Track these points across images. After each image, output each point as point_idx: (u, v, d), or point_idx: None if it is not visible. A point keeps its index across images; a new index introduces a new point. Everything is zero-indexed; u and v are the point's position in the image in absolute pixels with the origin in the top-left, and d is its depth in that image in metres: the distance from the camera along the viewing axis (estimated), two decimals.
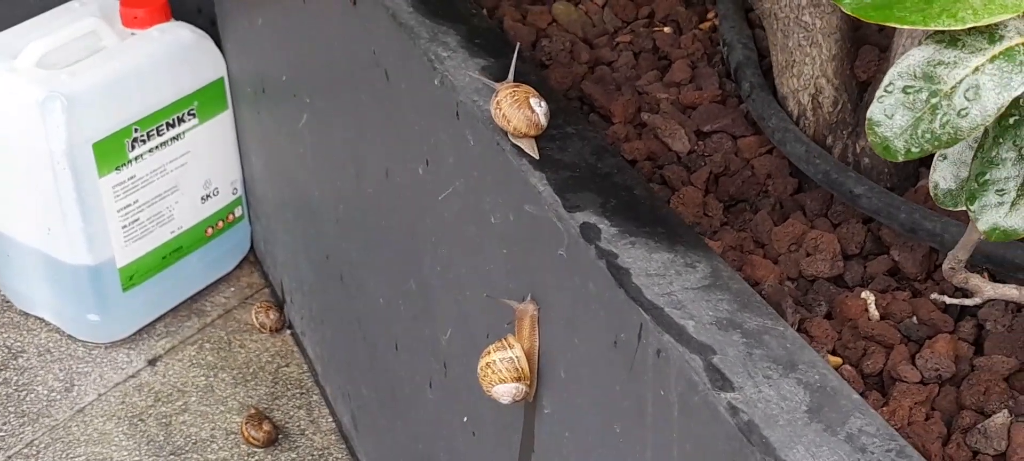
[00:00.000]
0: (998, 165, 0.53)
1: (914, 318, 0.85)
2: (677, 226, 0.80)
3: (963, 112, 0.50)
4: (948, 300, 0.74)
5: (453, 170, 0.95)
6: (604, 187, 0.83)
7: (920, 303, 0.86)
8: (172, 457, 1.42)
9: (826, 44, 0.97)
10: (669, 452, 0.72)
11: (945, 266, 0.72)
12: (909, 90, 0.51)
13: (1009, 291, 0.73)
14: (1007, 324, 0.83)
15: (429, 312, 1.08)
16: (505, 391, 0.86)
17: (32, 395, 1.49)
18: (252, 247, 1.69)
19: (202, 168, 1.57)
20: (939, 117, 0.50)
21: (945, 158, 0.61)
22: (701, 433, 0.69)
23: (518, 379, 0.86)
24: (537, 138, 0.85)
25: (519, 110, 0.84)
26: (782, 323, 0.72)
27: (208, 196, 1.59)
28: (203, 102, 1.54)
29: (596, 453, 0.83)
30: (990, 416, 0.77)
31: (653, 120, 1.02)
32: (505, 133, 0.85)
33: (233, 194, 1.63)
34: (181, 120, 1.52)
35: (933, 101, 0.50)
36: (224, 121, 1.57)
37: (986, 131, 0.54)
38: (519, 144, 0.85)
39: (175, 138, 1.52)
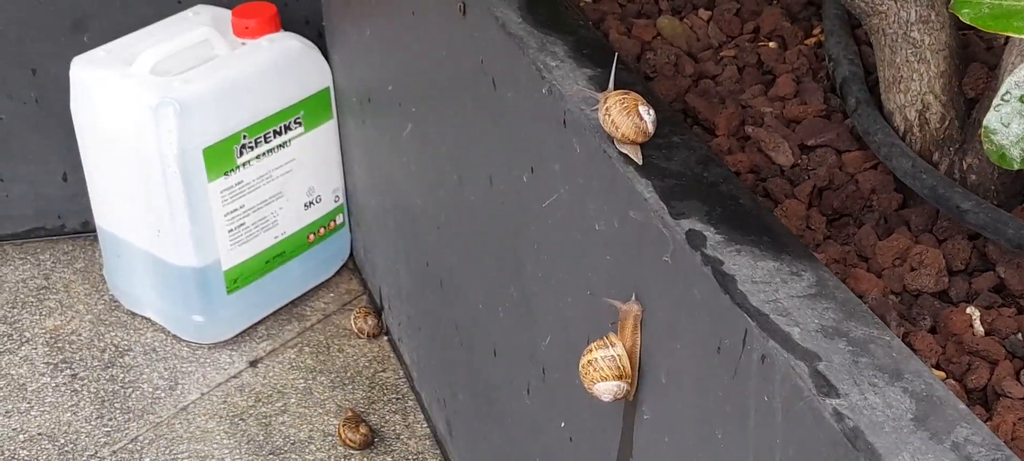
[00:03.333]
0: None
1: (1019, 335, 0.85)
2: (783, 235, 0.80)
3: None
4: None
5: (558, 177, 0.96)
6: (710, 196, 0.83)
7: None
8: (271, 457, 1.45)
9: (934, 60, 0.97)
10: (772, 457, 0.73)
11: None
12: None
13: None
14: None
15: (529, 318, 1.09)
16: (606, 389, 0.87)
17: (137, 392, 1.53)
18: (352, 254, 1.73)
19: (306, 175, 1.60)
20: None
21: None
22: (805, 438, 0.69)
23: (620, 377, 0.87)
24: (643, 146, 0.87)
25: (628, 117, 0.85)
26: (888, 332, 0.72)
27: (311, 203, 1.63)
28: (309, 111, 1.57)
29: (696, 458, 0.83)
30: None
31: (757, 133, 1.03)
32: (612, 140, 0.87)
33: (335, 202, 1.66)
34: (288, 128, 1.55)
35: None
36: (329, 130, 1.61)
37: None
38: (625, 151, 0.86)
39: (281, 145, 1.55)
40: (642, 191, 0.83)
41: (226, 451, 1.46)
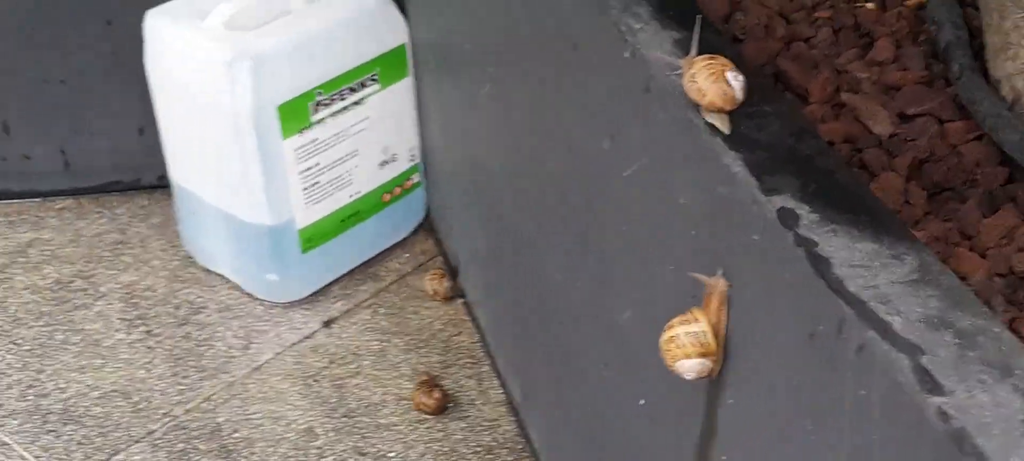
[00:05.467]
0: None
1: None
2: (883, 215, 0.75)
3: None
4: None
5: (640, 146, 0.92)
6: (804, 170, 0.78)
7: None
8: (344, 419, 1.43)
9: None
10: (869, 455, 0.68)
11: None
12: None
13: None
14: None
15: (608, 290, 1.05)
16: (689, 367, 0.83)
17: (211, 351, 1.52)
18: (428, 214, 1.69)
19: (381, 134, 1.57)
20: None
21: None
22: (906, 438, 0.64)
23: (703, 355, 0.83)
24: (731, 114, 0.82)
25: (715, 83, 0.80)
26: (998, 323, 0.67)
27: (386, 162, 1.60)
28: (385, 68, 1.54)
29: (784, 448, 0.79)
30: None
31: (853, 100, 0.97)
32: (697, 107, 0.82)
33: (411, 161, 1.63)
34: (363, 85, 1.52)
35: None
36: (405, 88, 1.57)
37: None
38: (712, 119, 0.81)
39: (356, 103, 1.52)
40: (730, 164, 0.79)
41: (299, 412, 1.44)
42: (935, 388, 0.63)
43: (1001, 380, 0.63)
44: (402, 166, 1.62)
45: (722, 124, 0.81)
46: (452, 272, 1.61)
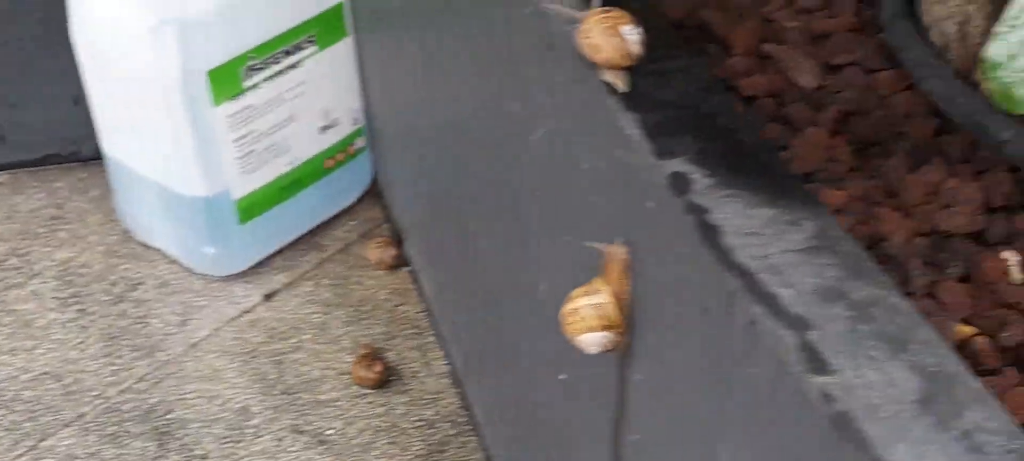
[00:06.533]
0: None
1: None
2: (784, 178, 0.69)
3: None
4: None
5: (547, 108, 0.86)
6: (705, 131, 0.73)
7: None
8: (282, 396, 1.39)
9: None
10: (760, 439, 0.63)
11: None
12: None
13: None
14: None
15: (529, 260, 1.00)
16: (592, 340, 0.78)
17: (147, 329, 1.47)
18: (375, 181, 1.64)
19: (321, 98, 1.51)
20: None
21: None
22: (793, 422, 0.59)
23: (607, 327, 0.77)
24: (631, 71, 0.76)
25: (610, 38, 0.74)
26: (896, 293, 0.61)
27: (327, 127, 1.54)
28: (322, 30, 1.48)
29: (686, 425, 0.74)
30: None
31: (777, 51, 0.91)
32: (595, 66, 0.76)
33: (354, 125, 1.57)
34: (299, 48, 1.46)
35: None
36: (344, 50, 1.51)
37: None
38: (608, 77, 0.75)
39: (293, 66, 1.46)
40: (626, 127, 0.73)
41: (236, 390, 1.39)
42: (820, 367, 0.57)
43: (894, 356, 0.58)
44: (344, 131, 1.56)
45: (620, 82, 0.75)
46: (398, 240, 1.56)
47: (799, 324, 0.59)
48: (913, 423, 0.55)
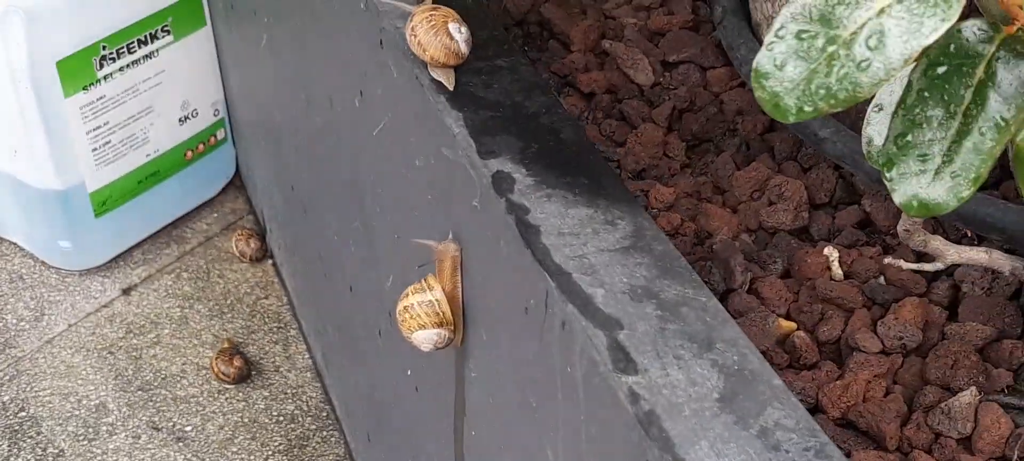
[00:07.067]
0: (921, 126, 0.43)
1: (882, 278, 0.75)
2: (603, 176, 0.70)
3: (864, 64, 0.40)
4: (905, 265, 0.64)
5: (382, 104, 0.86)
6: (527, 130, 0.73)
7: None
8: (139, 393, 1.37)
9: None
10: (578, 436, 0.64)
11: (900, 227, 0.62)
12: (804, 36, 0.42)
13: (976, 254, 0.63)
14: (986, 286, 0.73)
15: (374, 256, 0.99)
16: (425, 337, 0.78)
17: (1, 324, 1.44)
18: (238, 172, 1.62)
19: (179, 88, 1.49)
20: (836, 69, 0.41)
21: (881, 110, 0.51)
22: (604, 419, 0.60)
23: (439, 324, 0.77)
24: (458, 69, 0.76)
25: (436, 36, 0.75)
26: (706, 293, 0.63)
27: (186, 118, 1.52)
28: (178, 18, 1.45)
29: (517, 424, 0.74)
30: (957, 393, 0.68)
31: (615, 48, 0.93)
32: (424, 64, 0.76)
33: (214, 116, 1.55)
34: (154, 37, 1.44)
35: (830, 49, 0.41)
36: (202, 39, 1.49)
37: (909, 84, 0.44)
38: (437, 76, 0.75)
39: (148, 56, 1.44)
40: (451, 125, 0.73)
41: (92, 387, 1.37)
42: (628, 366, 0.58)
43: (700, 354, 0.59)
44: (205, 122, 1.54)
45: (447, 80, 0.76)
46: (261, 232, 1.55)
47: (610, 324, 0.60)
48: (714, 421, 0.56)
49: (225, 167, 1.60)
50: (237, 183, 1.62)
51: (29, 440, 1.31)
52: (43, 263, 1.50)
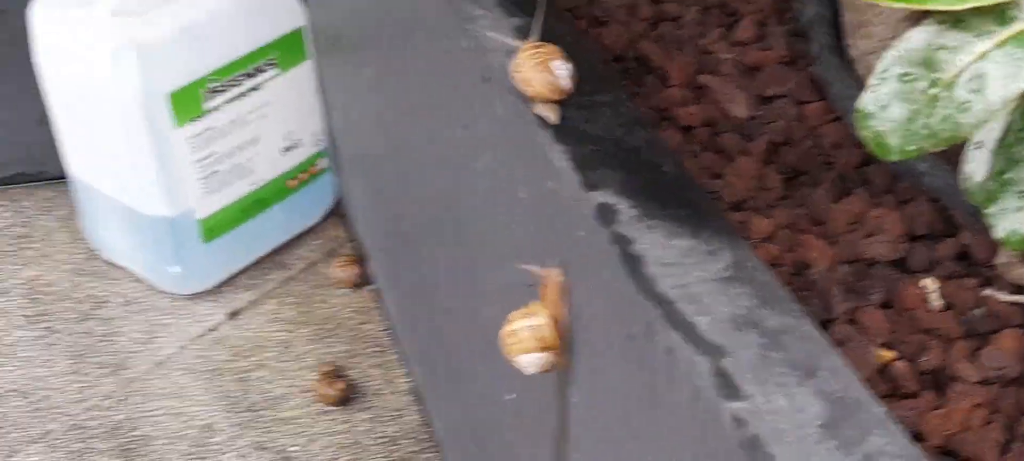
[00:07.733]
0: (1021, 163, 0.45)
1: (981, 310, 0.77)
2: (706, 209, 0.73)
3: (965, 106, 0.42)
4: (1004, 297, 0.65)
5: (486, 138, 0.89)
6: (629, 163, 0.76)
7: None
8: (246, 413, 1.41)
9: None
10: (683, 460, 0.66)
11: (998, 260, 0.64)
12: (906, 78, 0.44)
13: None
14: None
15: (475, 284, 1.03)
16: (529, 361, 0.81)
17: (113, 347, 1.49)
18: (339, 201, 1.66)
19: (282, 119, 1.54)
20: (938, 110, 0.43)
21: (981, 146, 0.53)
22: (709, 446, 0.62)
23: (544, 348, 0.80)
24: (562, 104, 0.79)
25: (540, 72, 0.78)
26: (808, 321, 0.65)
27: (290, 148, 1.57)
28: (283, 52, 1.51)
29: (619, 449, 0.77)
30: None
31: (711, 82, 0.95)
32: (528, 99, 0.79)
33: (315, 146, 1.60)
34: (260, 71, 1.49)
35: (932, 91, 0.43)
36: (305, 72, 1.54)
37: (1009, 124, 0.46)
38: (540, 110, 0.78)
39: (254, 89, 1.49)
40: (555, 159, 0.76)
41: (201, 408, 1.42)
42: (732, 392, 0.60)
43: (803, 382, 0.61)
44: (307, 152, 1.59)
45: (551, 115, 0.79)
46: (361, 259, 1.59)
47: (714, 351, 0.63)
48: (817, 447, 0.58)
49: (325, 196, 1.65)
50: (337, 212, 1.67)
51: (142, 459, 1.36)
52: (153, 288, 1.56)
